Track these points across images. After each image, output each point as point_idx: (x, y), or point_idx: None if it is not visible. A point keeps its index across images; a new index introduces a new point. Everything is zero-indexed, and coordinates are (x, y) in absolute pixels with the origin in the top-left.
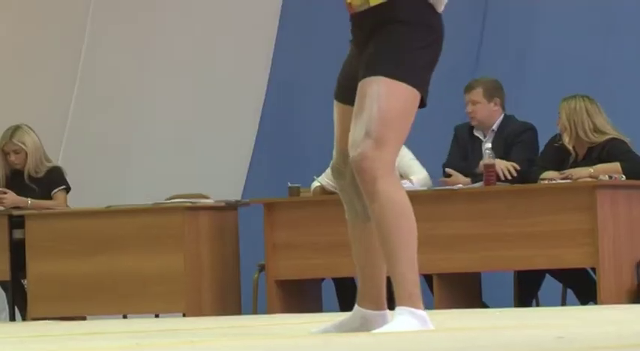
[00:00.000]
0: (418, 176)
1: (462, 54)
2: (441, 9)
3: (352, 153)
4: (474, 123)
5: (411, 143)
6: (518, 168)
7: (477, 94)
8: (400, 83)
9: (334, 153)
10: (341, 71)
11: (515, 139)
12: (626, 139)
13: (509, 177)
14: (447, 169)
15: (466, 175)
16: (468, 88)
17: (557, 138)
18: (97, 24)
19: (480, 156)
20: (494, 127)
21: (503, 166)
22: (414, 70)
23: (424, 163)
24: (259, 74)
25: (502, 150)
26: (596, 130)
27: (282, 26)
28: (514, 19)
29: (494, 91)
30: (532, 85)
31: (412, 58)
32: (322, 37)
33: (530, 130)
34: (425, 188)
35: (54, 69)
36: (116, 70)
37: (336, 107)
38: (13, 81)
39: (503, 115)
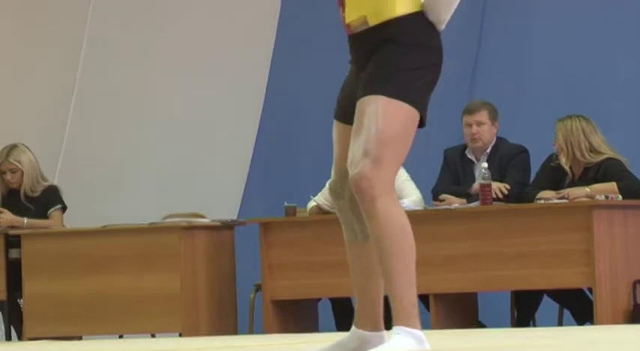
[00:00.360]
0: (412, 198)
1: (457, 75)
2: (441, 27)
3: (351, 172)
4: (477, 145)
5: (405, 164)
6: (508, 187)
7: (483, 115)
8: (399, 102)
9: (332, 173)
10: (340, 91)
11: (508, 161)
12: (623, 159)
13: (500, 196)
14: (441, 195)
15: (459, 197)
16: (473, 110)
17: (553, 158)
18: (94, 44)
19: (473, 178)
20: (488, 149)
21: (495, 187)
22: (413, 90)
23: (419, 184)
24: (256, 93)
25: (496, 172)
26: (593, 150)
27: (279, 45)
28: (509, 39)
29: (496, 114)
30: (528, 105)
31: (411, 77)
32: (319, 56)
33: (523, 153)
34: (421, 208)
35: (50, 88)
36: (113, 90)
37: (336, 127)
38: (9, 99)
39: (496, 138)
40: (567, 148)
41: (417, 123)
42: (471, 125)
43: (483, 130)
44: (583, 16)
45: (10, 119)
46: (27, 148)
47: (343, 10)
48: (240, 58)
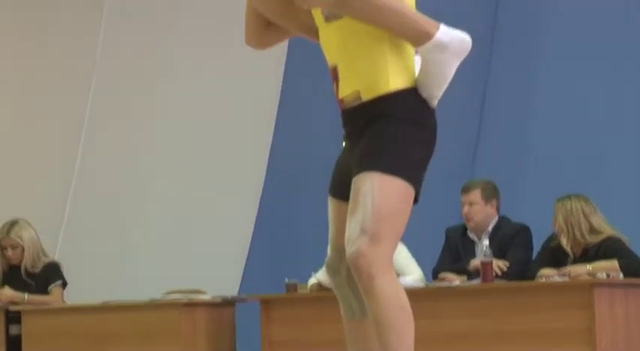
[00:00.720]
0: (413, 276)
1: (458, 152)
2: (434, 103)
3: (348, 250)
4: (470, 225)
5: (406, 242)
6: (507, 265)
7: (476, 195)
8: (394, 178)
9: (329, 250)
10: (335, 166)
11: (510, 240)
12: (623, 237)
13: (499, 273)
14: (441, 274)
15: (459, 273)
16: (466, 189)
17: (552, 238)
18: (94, 125)
19: (474, 257)
20: (489, 228)
21: (494, 265)
22: (408, 165)
23: (419, 262)
24: (257, 167)
25: (497, 251)
26: (593, 230)
27: (281, 119)
28: (511, 115)
29: (492, 193)
30: (530, 182)
31: (405, 153)
32: (319, 130)
33: (525, 231)
34: (422, 285)
35: (51, 164)
36: (113, 168)
37: (331, 203)
38: (10, 175)
39: (497, 217)
40: (567, 229)
41: (412, 198)
42: (464, 205)
43: (475, 210)
44: (584, 93)
45: (11, 194)
46: (28, 223)
47: (337, 85)
48: (240, 134)
